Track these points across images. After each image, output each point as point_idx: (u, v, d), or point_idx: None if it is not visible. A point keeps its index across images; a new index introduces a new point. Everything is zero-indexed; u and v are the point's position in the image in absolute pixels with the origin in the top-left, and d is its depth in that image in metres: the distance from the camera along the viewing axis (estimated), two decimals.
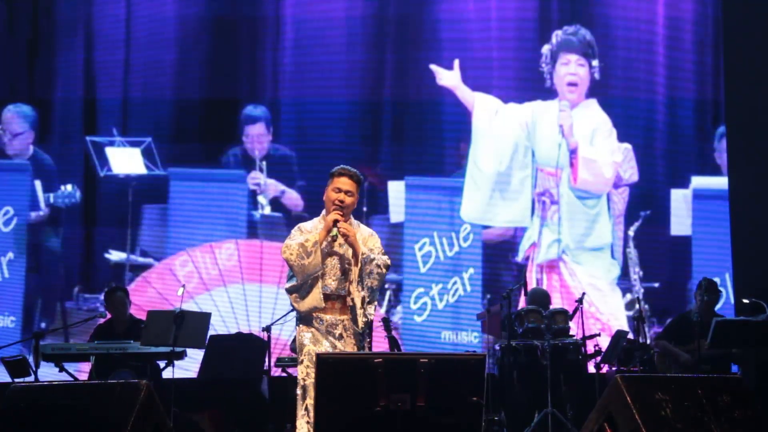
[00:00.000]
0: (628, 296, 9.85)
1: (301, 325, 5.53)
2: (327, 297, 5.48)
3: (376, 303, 5.52)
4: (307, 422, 5.37)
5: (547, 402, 7.92)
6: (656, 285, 9.94)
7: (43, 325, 9.94)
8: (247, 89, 10.36)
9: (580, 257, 9.93)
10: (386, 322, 8.38)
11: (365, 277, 5.38)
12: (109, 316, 8.64)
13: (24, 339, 9.28)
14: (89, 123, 10.33)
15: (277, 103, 10.34)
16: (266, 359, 8.14)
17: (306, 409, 5.40)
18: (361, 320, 5.38)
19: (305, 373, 5.42)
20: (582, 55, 10.07)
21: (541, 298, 8.88)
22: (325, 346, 5.44)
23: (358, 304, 5.38)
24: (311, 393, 5.36)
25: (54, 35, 10.44)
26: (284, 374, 8.51)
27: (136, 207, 10.16)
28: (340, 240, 5.47)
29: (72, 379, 8.22)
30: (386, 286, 10.02)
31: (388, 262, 5.48)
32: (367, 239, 5.52)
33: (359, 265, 5.39)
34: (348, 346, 5.44)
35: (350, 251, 5.47)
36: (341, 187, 5.51)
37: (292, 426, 5.56)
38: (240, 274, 9.97)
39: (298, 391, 5.46)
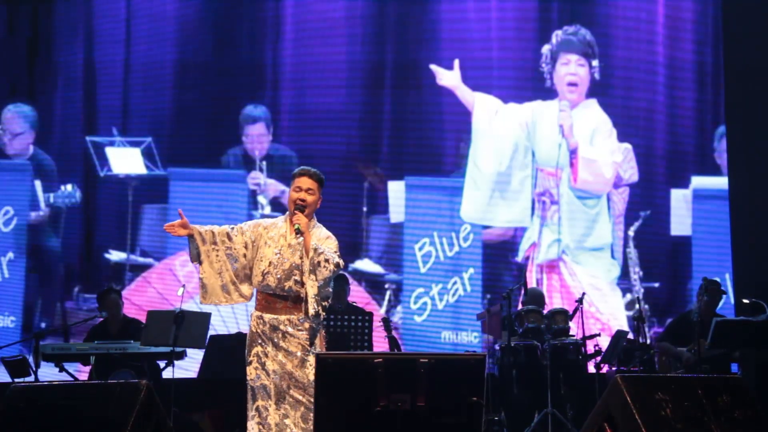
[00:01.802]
0: (628, 296, 9.85)
1: (251, 323, 5.56)
2: (269, 295, 5.50)
3: (327, 303, 5.51)
4: (258, 423, 5.39)
5: (547, 402, 7.92)
6: (656, 285, 9.94)
7: (43, 325, 9.94)
8: (247, 90, 10.36)
9: (580, 257, 9.93)
10: (386, 322, 8.38)
11: (315, 268, 5.38)
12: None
13: (24, 339, 9.28)
14: (89, 123, 10.34)
15: (277, 103, 10.34)
16: None
17: (257, 410, 5.41)
18: (311, 308, 5.36)
19: (254, 375, 5.44)
20: (582, 55, 10.07)
21: (537, 298, 8.88)
22: (269, 352, 5.44)
23: (310, 293, 5.37)
24: (261, 394, 5.41)
25: (54, 35, 10.45)
26: None
27: (136, 207, 10.16)
28: (291, 241, 5.49)
29: (72, 379, 8.22)
30: (386, 286, 10.03)
31: (340, 261, 5.47)
32: (324, 241, 5.54)
33: (309, 255, 5.39)
34: (291, 345, 5.42)
35: (296, 256, 5.47)
36: (301, 185, 5.60)
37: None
38: None
39: (248, 393, 5.46)
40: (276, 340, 5.44)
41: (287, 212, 5.66)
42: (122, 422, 4.63)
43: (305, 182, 5.60)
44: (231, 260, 5.56)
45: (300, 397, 5.36)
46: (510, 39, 10.18)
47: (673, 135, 10.10)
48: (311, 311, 5.37)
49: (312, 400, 5.29)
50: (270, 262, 5.49)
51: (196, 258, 5.55)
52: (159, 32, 10.41)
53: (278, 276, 5.47)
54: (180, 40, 10.39)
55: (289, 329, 5.44)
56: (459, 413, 4.59)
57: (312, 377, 5.34)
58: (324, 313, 5.50)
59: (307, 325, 5.45)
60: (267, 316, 5.48)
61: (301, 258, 5.43)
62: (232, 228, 5.60)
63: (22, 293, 10.18)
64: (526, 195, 10.01)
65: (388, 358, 4.83)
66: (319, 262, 5.38)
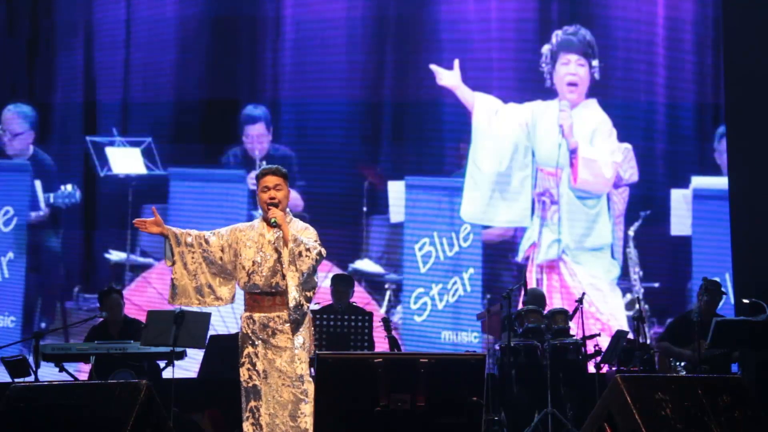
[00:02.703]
0: (628, 296, 9.84)
1: (241, 324, 5.57)
2: (257, 295, 5.52)
3: (312, 294, 5.52)
4: (252, 424, 5.43)
5: (547, 402, 7.92)
6: (656, 285, 9.94)
7: (43, 325, 9.94)
8: (247, 90, 10.36)
9: (580, 257, 9.93)
10: (386, 322, 8.38)
11: (296, 259, 5.39)
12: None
13: (24, 339, 9.28)
14: (89, 123, 10.33)
15: (277, 103, 10.33)
16: None
17: (251, 411, 5.45)
18: (292, 298, 5.36)
19: (246, 376, 5.49)
20: (582, 55, 10.07)
21: (538, 298, 8.88)
22: (259, 352, 5.46)
23: (292, 283, 5.38)
24: (254, 395, 5.44)
25: (54, 36, 10.44)
26: None
27: (136, 207, 10.16)
28: (270, 238, 5.50)
29: (72, 379, 8.22)
30: (386, 286, 10.03)
31: (322, 250, 5.48)
32: (302, 232, 5.55)
33: (289, 246, 5.40)
34: (281, 341, 5.44)
35: (278, 252, 5.48)
36: (268, 184, 5.60)
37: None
38: None
39: (242, 394, 5.49)
40: (265, 337, 5.47)
41: (262, 215, 5.66)
42: (122, 422, 4.63)
43: (271, 180, 5.61)
44: (207, 263, 5.60)
45: (289, 395, 5.38)
46: (510, 39, 10.17)
47: (673, 135, 10.10)
48: (292, 302, 5.38)
49: (301, 395, 5.33)
50: (253, 262, 5.51)
51: (169, 258, 5.58)
52: (159, 32, 10.40)
53: (264, 274, 5.49)
54: (180, 40, 10.38)
55: (279, 326, 5.46)
56: (459, 413, 4.59)
57: (299, 372, 5.38)
58: (308, 304, 5.51)
59: (294, 316, 5.46)
60: (257, 315, 5.51)
61: (278, 252, 5.44)
62: (212, 233, 5.64)
63: (22, 293, 10.18)
64: (526, 195, 10.01)
65: (388, 358, 4.84)
66: (300, 252, 5.40)
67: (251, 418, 5.45)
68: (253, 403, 5.45)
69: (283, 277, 5.44)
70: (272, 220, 5.48)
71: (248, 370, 5.49)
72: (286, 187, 5.65)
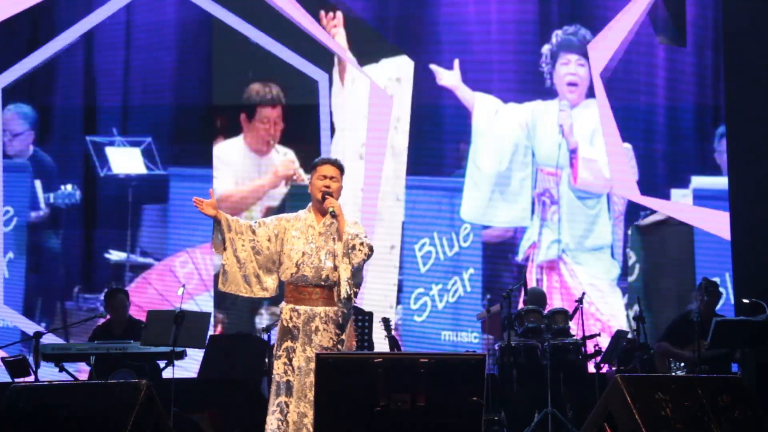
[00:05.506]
0: (628, 296, 9.85)
1: (282, 317, 5.51)
2: (304, 287, 5.47)
3: (358, 290, 5.47)
4: (278, 419, 5.35)
5: (547, 402, 7.92)
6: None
7: (43, 325, 9.94)
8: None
9: (580, 257, 9.92)
10: (386, 322, 8.38)
11: (349, 252, 5.36)
12: (108, 316, 8.65)
13: (24, 339, 9.27)
14: (89, 123, 10.33)
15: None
16: (266, 359, 8.13)
17: (279, 405, 5.37)
18: (344, 290, 5.32)
19: (282, 370, 5.41)
20: (582, 55, 10.07)
21: (538, 297, 8.88)
22: (298, 347, 5.41)
23: (344, 276, 5.33)
24: (285, 391, 5.37)
25: (54, 35, 10.43)
26: None
27: (136, 207, 10.16)
28: (320, 229, 5.47)
29: (72, 379, 8.22)
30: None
31: (372, 245, 5.45)
32: (352, 226, 5.50)
33: (344, 239, 5.37)
34: (324, 340, 5.40)
35: (329, 242, 5.46)
36: (326, 173, 5.55)
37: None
38: None
39: (273, 387, 5.42)
40: (309, 332, 5.40)
41: (308, 205, 5.63)
42: (122, 422, 4.63)
43: (329, 170, 5.56)
44: (254, 252, 5.50)
45: None
46: (510, 39, 10.16)
47: (673, 135, 10.09)
48: (344, 294, 5.33)
49: None
50: (303, 253, 5.45)
51: (219, 244, 5.49)
52: (159, 33, 10.39)
53: (314, 265, 5.43)
54: (180, 42, 10.37)
55: (324, 323, 5.40)
56: (459, 413, 4.59)
57: None
58: (356, 299, 5.45)
59: (341, 313, 5.43)
60: (302, 308, 5.44)
61: (334, 241, 5.41)
62: (257, 223, 5.57)
63: (22, 293, 10.18)
64: (526, 195, 10.01)
65: (388, 358, 4.84)
66: (354, 246, 5.35)
67: (278, 413, 5.36)
68: (283, 398, 5.37)
69: (335, 269, 5.40)
70: (330, 210, 5.42)
71: (284, 364, 5.41)
72: (341, 181, 5.58)
